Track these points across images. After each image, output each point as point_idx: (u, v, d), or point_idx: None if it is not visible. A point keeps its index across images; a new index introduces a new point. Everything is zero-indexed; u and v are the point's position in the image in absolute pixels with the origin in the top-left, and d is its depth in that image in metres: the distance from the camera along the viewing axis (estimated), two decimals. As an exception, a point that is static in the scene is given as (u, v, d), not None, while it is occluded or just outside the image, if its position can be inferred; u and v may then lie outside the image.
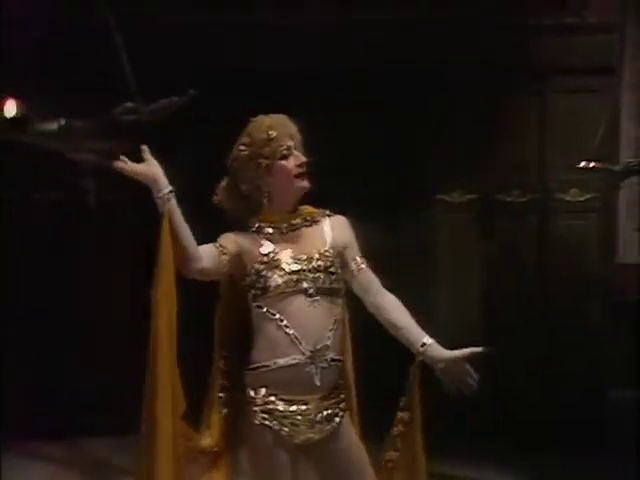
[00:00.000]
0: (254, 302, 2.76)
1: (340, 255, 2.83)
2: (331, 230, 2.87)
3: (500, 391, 5.78)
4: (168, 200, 2.60)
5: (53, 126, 3.13)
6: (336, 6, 5.99)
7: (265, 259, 2.76)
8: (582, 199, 6.09)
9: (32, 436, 6.06)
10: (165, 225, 2.58)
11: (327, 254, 2.80)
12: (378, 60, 6.00)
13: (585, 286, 6.08)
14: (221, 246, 2.76)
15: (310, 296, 2.73)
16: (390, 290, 2.88)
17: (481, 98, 6.11)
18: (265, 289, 2.73)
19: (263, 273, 2.74)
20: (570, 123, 6.09)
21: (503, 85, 6.15)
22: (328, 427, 2.78)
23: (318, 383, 2.73)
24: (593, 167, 5.20)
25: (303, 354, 2.70)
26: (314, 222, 2.87)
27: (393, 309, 2.83)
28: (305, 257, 2.77)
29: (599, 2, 6.16)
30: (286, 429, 2.73)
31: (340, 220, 2.91)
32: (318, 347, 2.71)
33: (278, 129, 2.77)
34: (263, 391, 2.74)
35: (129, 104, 3.13)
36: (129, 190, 5.27)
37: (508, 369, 5.88)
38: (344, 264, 2.84)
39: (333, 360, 2.76)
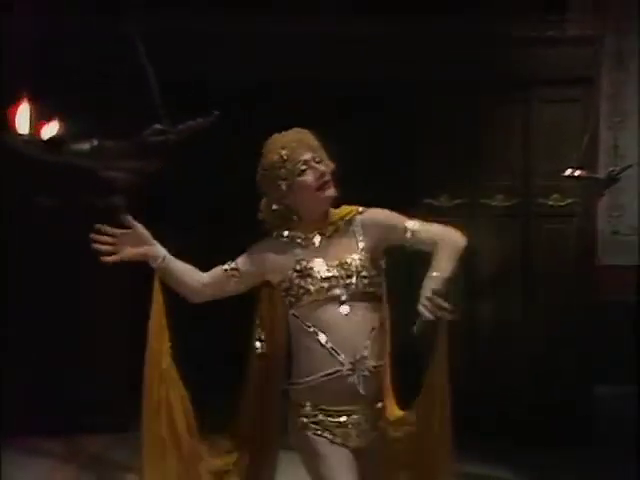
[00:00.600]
0: (290, 309, 2.82)
1: (379, 252, 2.86)
2: (362, 231, 2.86)
3: (491, 389, 6.07)
4: (163, 265, 2.83)
5: (86, 146, 3.28)
6: (335, 13, 6.10)
7: (298, 267, 2.80)
8: (563, 204, 6.25)
9: (32, 434, 6.10)
10: (156, 286, 2.81)
11: (359, 258, 2.81)
12: (371, 70, 6.16)
13: (565, 286, 6.25)
14: (233, 269, 2.86)
15: (343, 303, 2.76)
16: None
17: (468, 106, 6.29)
18: (298, 297, 2.78)
19: (296, 282, 2.78)
20: (552, 131, 6.28)
21: (489, 94, 6.32)
22: (374, 433, 2.86)
23: (363, 392, 2.77)
24: (578, 175, 5.43)
25: (343, 365, 2.73)
26: (346, 226, 2.87)
27: (437, 250, 2.79)
28: (337, 263, 2.79)
29: (578, 16, 6.38)
30: (339, 438, 2.79)
31: (372, 214, 2.90)
32: (357, 357, 2.74)
33: (290, 147, 2.80)
34: (309, 404, 2.80)
35: (157, 126, 3.31)
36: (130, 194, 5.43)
37: (494, 367, 6.14)
38: (400, 243, 2.85)
39: (374, 367, 2.79)
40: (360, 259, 2.82)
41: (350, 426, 2.81)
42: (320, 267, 2.80)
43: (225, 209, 7.12)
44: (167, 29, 5.80)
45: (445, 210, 6.31)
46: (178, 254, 2.91)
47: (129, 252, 2.81)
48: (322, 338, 2.75)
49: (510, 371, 6.16)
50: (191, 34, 5.95)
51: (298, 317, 2.81)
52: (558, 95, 6.30)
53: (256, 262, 2.87)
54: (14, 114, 3.24)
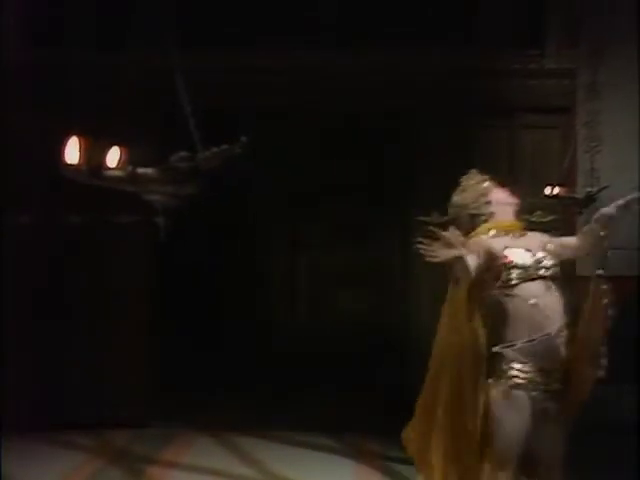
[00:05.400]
0: (505, 289, 3.60)
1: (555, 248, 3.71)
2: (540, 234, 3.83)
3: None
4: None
5: (122, 173, 3.63)
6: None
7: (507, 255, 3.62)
8: (545, 220, 6.76)
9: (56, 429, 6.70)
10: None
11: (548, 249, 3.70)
12: (374, 101, 6.83)
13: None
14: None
15: (545, 280, 3.62)
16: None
17: (458, 132, 6.88)
18: (510, 279, 3.59)
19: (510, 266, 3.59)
20: (534, 154, 6.89)
21: (476, 121, 6.94)
22: (553, 403, 3.59)
23: (563, 354, 3.56)
24: (557, 195, 5.95)
25: (552, 330, 3.52)
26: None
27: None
28: (532, 253, 3.67)
29: (556, 51, 7.01)
30: (534, 394, 3.55)
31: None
32: (560, 325, 3.55)
33: None
34: (517, 364, 3.55)
35: (183, 153, 3.62)
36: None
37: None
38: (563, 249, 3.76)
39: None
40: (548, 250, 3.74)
41: (543, 387, 3.61)
42: (524, 255, 3.70)
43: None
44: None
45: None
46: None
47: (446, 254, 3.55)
48: (538, 307, 3.60)
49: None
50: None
51: (513, 293, 3.63)
52: (539, 122, 6.94)
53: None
54: (65, 147, 3.57)
